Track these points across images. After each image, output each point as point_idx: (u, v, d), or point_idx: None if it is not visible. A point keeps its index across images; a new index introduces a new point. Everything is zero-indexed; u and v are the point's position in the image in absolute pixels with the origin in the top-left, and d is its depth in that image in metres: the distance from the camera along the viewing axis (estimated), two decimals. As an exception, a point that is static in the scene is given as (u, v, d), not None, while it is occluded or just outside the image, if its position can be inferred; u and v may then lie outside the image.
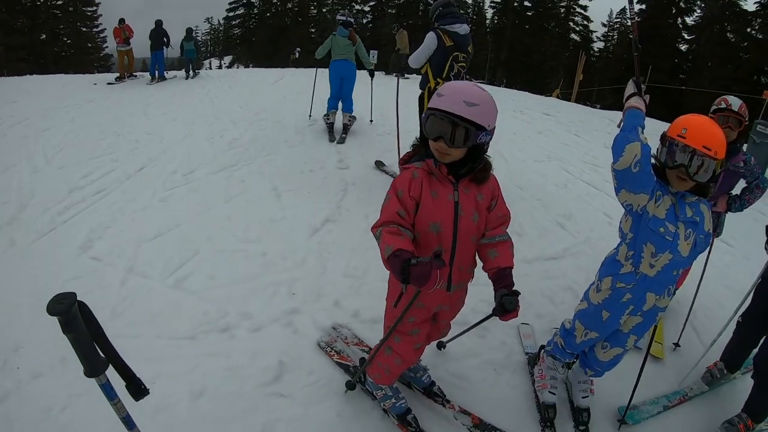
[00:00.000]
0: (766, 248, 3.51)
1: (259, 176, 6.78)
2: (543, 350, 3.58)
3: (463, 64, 5.94)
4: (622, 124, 2.61)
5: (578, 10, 49.16)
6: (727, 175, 4.16)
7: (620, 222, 2.85)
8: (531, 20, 47.41)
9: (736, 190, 4.31)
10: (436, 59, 5.83)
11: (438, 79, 5.89)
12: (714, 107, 4.15)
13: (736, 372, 3.96)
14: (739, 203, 4.25)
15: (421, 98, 6.11)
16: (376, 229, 2.34)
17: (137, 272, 4.48)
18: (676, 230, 2.62)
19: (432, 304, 2.64)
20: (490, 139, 2.36)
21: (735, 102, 4.07)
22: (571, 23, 49.39)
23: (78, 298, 1.39)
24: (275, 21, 50.16)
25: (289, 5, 51.10)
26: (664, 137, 2.66)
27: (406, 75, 15.21)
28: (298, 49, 12.81)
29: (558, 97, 21.03)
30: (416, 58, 5.92)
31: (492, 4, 49.59)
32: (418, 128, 2.52)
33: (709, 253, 4.27)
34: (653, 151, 2.62)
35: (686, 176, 2.54)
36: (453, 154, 2.31)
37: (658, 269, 2.66)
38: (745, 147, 10.81)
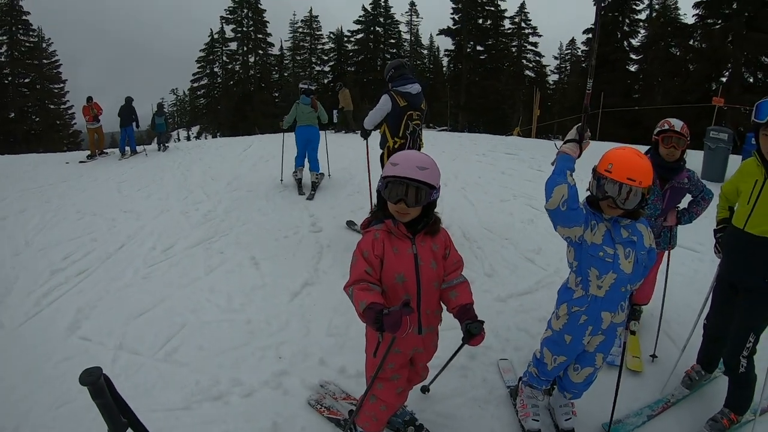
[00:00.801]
0: (714, 252, 3.82)
1: (236, 246, 6.92)
2: (521, 381, 3.73)
3: (418, 122, 6.22)
4: (554, 166, 2.90)
5: (529, 47, 50.79)
6: (673, 192, 4.40)
7: (566, 253, 3.13)
8: (485, 63, 48.81)
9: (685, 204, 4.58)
10: (392, 120, 6.13)
11: (396, 138, 6.17)
12: (657, 129, 4.35)
13: (714, 371, 4.17)
14: (688, 216, 4.53)
15: (381, 157, 6.37)
16: (348, 288, 2.63)
17: (127, 349, 4.56)
18: (615, 252, 2.90)
19: (407, 348, 2.88)
20: (438, 196, 2.71)
21: (677, 123, 4.28)
22: (524, 61, 51.10)
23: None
24: (239, 88, 50.84)
25: (252, 72, 51.95)
26: (594, 171, 2.93)
27: (350, 131, 15.83)
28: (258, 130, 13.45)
29: (519, 135, 21.57)
30: (371, 120, 6.26)
31: (447, 53, 51.28)
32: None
33: (668, 265, 4.60)
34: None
35: (615, 206, 2.83)
36: (411, 213, 2.64)
37: (606, 289, 2.92)
38: (702, 153, 11.78)
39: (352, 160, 11.64)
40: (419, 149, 6.36)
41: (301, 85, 10.02)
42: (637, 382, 4.20)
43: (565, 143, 2.94)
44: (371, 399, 2.96)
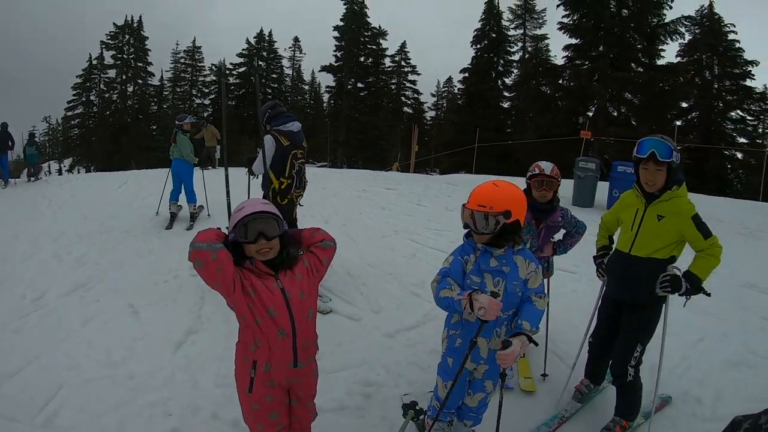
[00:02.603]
0: (598, 276, 4.21)
1: (113, 294, 6.56)
2: (426, 416, 3.79)
3: (303, 160, 6.24)
4: (455, 297, 3.02)
5: (408, 85, 52.47)
6: (548, 230, 4.77)
7: None
8: (365, 99, 49.87)
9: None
10: (276, 161, 6.05)
11: (282, 179, 6.10)
12: (529, 173, 4.63)
13: (603, 383, 4.54)
14: (563, 247, 4.92)
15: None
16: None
17: (1, 416, 4.17)
18: (482, 280, 3.12)
19: (281, 378, 2.88)
20: (286, 228, 2.85)
21: (547, 166, 4.55)
22: (403, 98, 52.65)
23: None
24: (116, 119, 48.81)
25: (130, 102, 50.22)
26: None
27: (209, 167, 15.84)
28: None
29: (398, 170, 21.98)
30: (259, 165, 6.09)
31: (328, 89, 51.99)
32: None
33: (549, 290, 4.77)
34: None
35: (476, 232, 3.11)
36: (274, 247, 2.74)
37: (476, 316, 3.00)
38: (571, 182, 12.72)
39: (232, 196, 11.27)
40: (304, 188, 6.42)
41: (176, 120, 10.24)
42: (532, 401, 4.47)
43: (480, 307, 2.91)
44: None
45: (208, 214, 10.40)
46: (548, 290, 4.87)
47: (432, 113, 58.72)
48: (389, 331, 5.60)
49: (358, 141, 48.44)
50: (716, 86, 36.21)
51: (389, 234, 9.32)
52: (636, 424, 4.08)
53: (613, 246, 4.14)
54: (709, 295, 3.76)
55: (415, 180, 16.62)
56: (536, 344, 3.17)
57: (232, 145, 41.41)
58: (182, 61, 55.51)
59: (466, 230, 3.24)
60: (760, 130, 38.17)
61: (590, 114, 32.68)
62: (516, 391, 4.57)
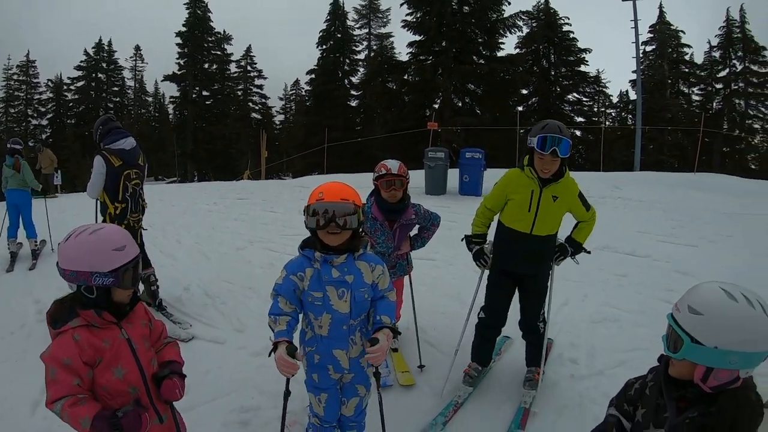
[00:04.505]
0: (479, 265, 4.31)
1: None
2: None
3: (137, 182, 5.73)
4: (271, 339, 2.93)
5: (255, 90, 51.89)
6: (402, 229, 4.60)
7: None
8: (211, 108, 48.68)
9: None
10: (109, 183, 5.52)
11: (116, 203, 5.58)
12: (376, 174, 4.45)
13: (490, 364, 4.64)
14: (420, 241, 4.77)
15: None
16: (53, 405, 2.20)
17: None
18: (324, 294, 2.91)
19: None
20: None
21: (394, 165, 4.42)
22: (250, 103, 52.05)
23: None
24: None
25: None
26: (305, 210, 2.93)
27: (49, 195, 14.56)
28: None
29: (249, 178, 21.56)
30: (92, 189, 5.59)
31: (172, 99, 50.00)
32: None
33: (411, 285, 4.87)
34: None
35: (324, 228, 2.86)
36: (127, 291, 2.37)
37: (327, 328, 2.95)
38: (422, 172, 13.56)
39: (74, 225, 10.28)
40: (143, 211, 5.93)
41: (8, 145, 8.95)
42: (414, 394, 4.38)
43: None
44: None
45: (52, 249, 9.08)
46: (411, 285, 4.94)
47: (281, 117, 58.24)
48: (256, 349, 5.16)
49: (207, 152, 46.92)
50: (553, 73, 41.04)
51: (244, 246, 8.93)
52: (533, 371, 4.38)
53: (490, 227, 4.34)
54: (589, 252, 4.38)
55: (267, 186, 16.46)
56: (399, 333, 3.26)
57: (73, 169, 38.98)
58: (15, 78, 51.00)
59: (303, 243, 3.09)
60: (596, 109, 44.22)
61: (436, 106, 34.55)
62: (396, 388, 4.47)
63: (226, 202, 13.34)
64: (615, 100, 45.29)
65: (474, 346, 4.48)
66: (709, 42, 41.13)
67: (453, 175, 13.98)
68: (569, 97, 41.42)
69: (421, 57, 35.73)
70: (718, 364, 1.79)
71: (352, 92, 45.33)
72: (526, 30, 39.21)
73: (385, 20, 46.66)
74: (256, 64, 52.04)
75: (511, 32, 36.22)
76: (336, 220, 2.80)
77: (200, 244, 9.04)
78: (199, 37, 47.98)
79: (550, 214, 3.97)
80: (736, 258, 7.79)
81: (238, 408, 4.28)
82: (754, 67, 39.48)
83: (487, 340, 4.45)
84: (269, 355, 2.84)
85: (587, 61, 40.27)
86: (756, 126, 40.68)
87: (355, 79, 45.44)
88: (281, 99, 57.95)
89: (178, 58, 47.84)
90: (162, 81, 50.10)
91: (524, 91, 39.77)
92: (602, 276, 6.94)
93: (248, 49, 51.58)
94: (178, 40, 47.77)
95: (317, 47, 45.35)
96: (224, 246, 8.91)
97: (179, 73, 47.85)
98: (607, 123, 42.08)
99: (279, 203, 12.85)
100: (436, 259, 7.21)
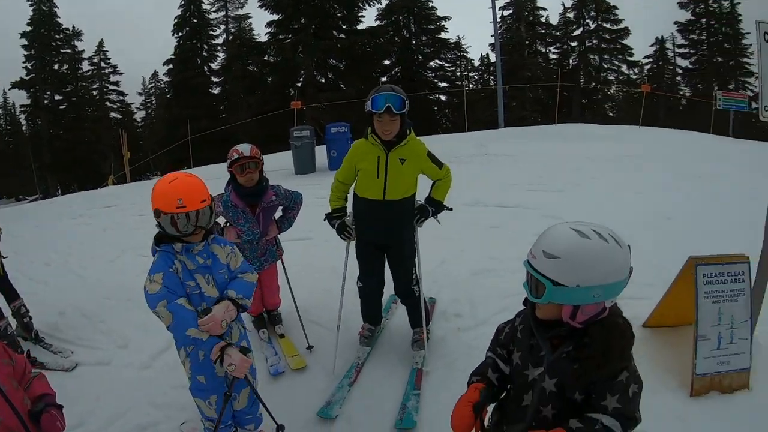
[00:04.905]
0: (343, 237, 4.44)
1: None
2: None
3: None
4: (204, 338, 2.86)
5: (111, 87, 48.98)
6: (266, 213, 4.63)
7: None
8: (66, 112, 45.23)
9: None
10: None
11: None
12: (229, 160, 4.43)
13: (382, 322, 4.97)
14: (287, 223, 4.85)
15: None
16: None
17: None
18: (196, 283, 2.95)
19: None
20: None
21: (245, 148, 4.43)
22: (107, 103, 48.97)
23: None
24: None
25: None
26: (158, 214, 2.95)
27: None
28: None
29: (114, 183, 20.43)
30: None
31: (23, 108, 45.95)
32: None
33: (285, 268, 5.01)
34: None
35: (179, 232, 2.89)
36: None
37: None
38: (290, 153, 13.74)
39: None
40: None
41: None
42: (309, 375, 4.53)
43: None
44: None
45: None
46: (284, 268, 5.08)
47: (142, 113, 55.14)
48: (144, 361, 5.12)
49: (68, 161, 43.67)
50: (414, 42, 41.92)
51: (116, 256, 8.50)
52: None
53: (348, 200, 4.48)
54: (451, 209, 4.50)
55: (134, 189, 15.77)
56: (245, 308, 3.13)
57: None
58: None
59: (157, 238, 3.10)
60: (459, 74, 45.61)
61: (299, 85, 34.69)
62: (288, 373, 4.59)
63: (92, 212, 12.62)
64: (477, 63, 46.86)
65: (362, 310, 4.74)
66: (563, 4, 43.86)
67: (321, 152, 14.17)
68: (431, 64, 42.75)
69: (280, 36, 35.54)
70: (582, 300, 1.87)
71: (213, 79, 43.72)
72: (385, 2, 39.70)
73: (242, 2, 45.19)
74: (110, 59, 48.56)
75: (370, 5, 36.86)
76: (200, 225, 2.87)
77: (70, 262, 8.52)
78: (45, 35, 43.84)
79: (400, 178, 4.11)
80: (601, 198, 8.47)
81: (135, 427, 4.22)
82: (607, 25, 42.49)
83: (372, 301, 4.68)
84: (214, 362, 2.86)
85: (447, 29, 41.86)
86: (611, 78, 43.78)
87: (215, 65, 43.91)
88: (140, 94, 55.03)
89: (25, 62, 43.71)
90: (9, 89, 45.96)
91: (387, 62, 40.69)
92: (477, 230, 7.34)
93: (101, 44, 47.94)
94: (24, 41, 43.59)
95: (173, 35, 43.04)
96: (96, 260, 8.45)
97: (27, 78, 43.71)
98: (470, 86, 43.47)
99: (148, 206, 12.04)
100: (312, 237, 7.23)
